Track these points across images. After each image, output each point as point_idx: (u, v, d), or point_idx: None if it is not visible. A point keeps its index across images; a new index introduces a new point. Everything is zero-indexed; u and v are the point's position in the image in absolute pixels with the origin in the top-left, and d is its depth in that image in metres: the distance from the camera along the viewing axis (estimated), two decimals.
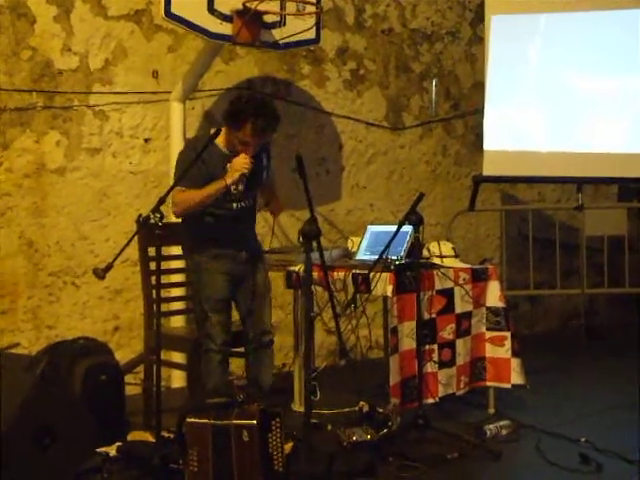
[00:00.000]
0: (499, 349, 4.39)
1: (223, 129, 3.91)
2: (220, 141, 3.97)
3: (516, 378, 4.36)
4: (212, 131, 3.91)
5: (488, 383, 4.44)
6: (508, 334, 4.38)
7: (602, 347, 6.23)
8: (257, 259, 4.16)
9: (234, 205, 4.01)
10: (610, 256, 6.49)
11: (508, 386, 4.40)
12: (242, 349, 4.29)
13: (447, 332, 4.29)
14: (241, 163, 3.86)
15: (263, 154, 4.09)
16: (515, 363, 4.36)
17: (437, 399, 4.21)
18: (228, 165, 3.91)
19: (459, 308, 4.33)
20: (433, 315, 4.23)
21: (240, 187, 3.97)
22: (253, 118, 3.83)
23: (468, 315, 4.37)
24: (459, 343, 4.33)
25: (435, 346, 4.24)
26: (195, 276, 4.09)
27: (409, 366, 4.07)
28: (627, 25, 5.92)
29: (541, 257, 6.64)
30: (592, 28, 5.96)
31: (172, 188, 3.79)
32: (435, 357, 4.22)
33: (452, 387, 4.31)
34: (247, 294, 4.13)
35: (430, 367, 4.19)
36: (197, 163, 3.79)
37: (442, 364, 4.26)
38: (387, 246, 3.98)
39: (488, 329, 4.42)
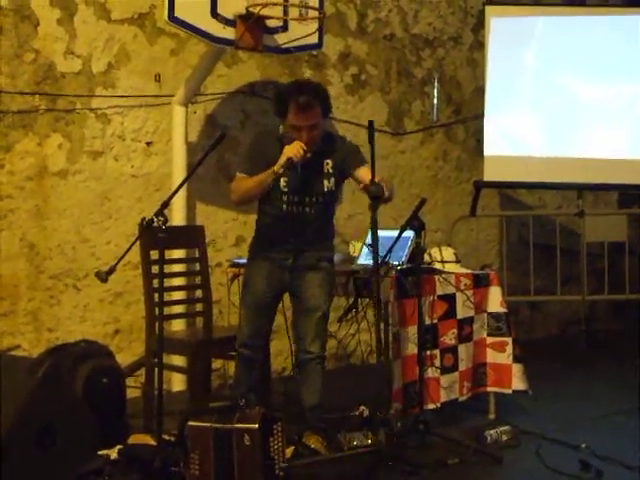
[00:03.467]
0: (500, 355, 4.38)
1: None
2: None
3: (517, 384, 4.35)
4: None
5: (489, 389, 4.43)
6: (509, 340, 4.38)
7: (602, 353, 6.23)
8: (310, 269, 3.99)
9: (284, 207, 3.91)
10: (610, 262, 6.49)
11: (509, 391, 4.38)
12: None
13: (449, 337, 4.28)
14: (291, 148, 3.75)
15: (327, 161, 3.94)
16: (516, 369, 4.35)
17: (439, 405, 4.21)
18: None
19: (461, 313, 4.32)
20: (435, 320, 4.22)
21: (283, 182, 3.84)
22: (294, 96, 3.78)
23: (470, 321, 4.36)
24: (461, 348, 4.31)
25: (437, 351, 4.23)
26: (244, 276, 4.10)
27: (411, 371, 4.08)
28: (626, 30, 5.95)
29: (541, 263, 6.64)
30: (591, 33, 5.99)
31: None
32: (437, 362, 4.21)
33: (455, 392, 4.29)
34: (295, 307, 4.09)
35: (432, 372, 4.19)
36: (258, 154, 3.87)
37: (444, 369, 4.25)
38: (389, 251, 3.98)
39: (489, 335, 4.41)
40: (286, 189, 3.89)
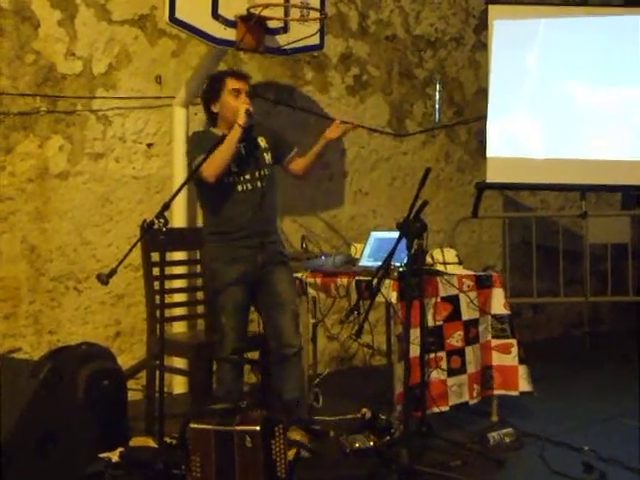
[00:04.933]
0: (506, 357, 4.34)
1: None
2: (216, 131, 4.10)
3: (524, 385, 4.32)
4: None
5: (496, 392, 4.38)
6: (514, 341, 4.34)
7: (606, 355, 6.21)
8: (277, 264, 4.08)
9: (238, 187, 3.99)
10: (614, 264, 6.48)
11: (516, 394, 4.34)
12: (257, 356, 4.32)
13: (455, 339, 4.24)
14: (241, 104, 3.99)
15: (260, 138, 4.14)
16: (522, 370, 4.32)
17: (448, 407, 4.17)
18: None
19: (466, 315, 4.28)
20: (439, 322, 4.19)
21: (232, 165, 3.96)
22: (227, 72, 4.25)
23: (475, 322, 4.32)
24: (468, 351, 4.27)
25: (443, 353, 4.20)
26: (211, 284, 4.08)
27: (415, 373, 4.05)
28: (629, 31, 5.93)
29: (544, 264, 6.62)
30: (593, 35, 5.97)
31: (180, 188, 3.81)
32: (443, 365, 4.18)
33: (465, 395, 4.25)
34: (267, 302, 4.08)
35: (437, 374, 4.15)
36: (202, 138, 4.07)
37: (452, 372, 4.21)
38: (391, 253, 3.95)
39: (494, 337, 4.37)
40: (236, 169, 4.00)
